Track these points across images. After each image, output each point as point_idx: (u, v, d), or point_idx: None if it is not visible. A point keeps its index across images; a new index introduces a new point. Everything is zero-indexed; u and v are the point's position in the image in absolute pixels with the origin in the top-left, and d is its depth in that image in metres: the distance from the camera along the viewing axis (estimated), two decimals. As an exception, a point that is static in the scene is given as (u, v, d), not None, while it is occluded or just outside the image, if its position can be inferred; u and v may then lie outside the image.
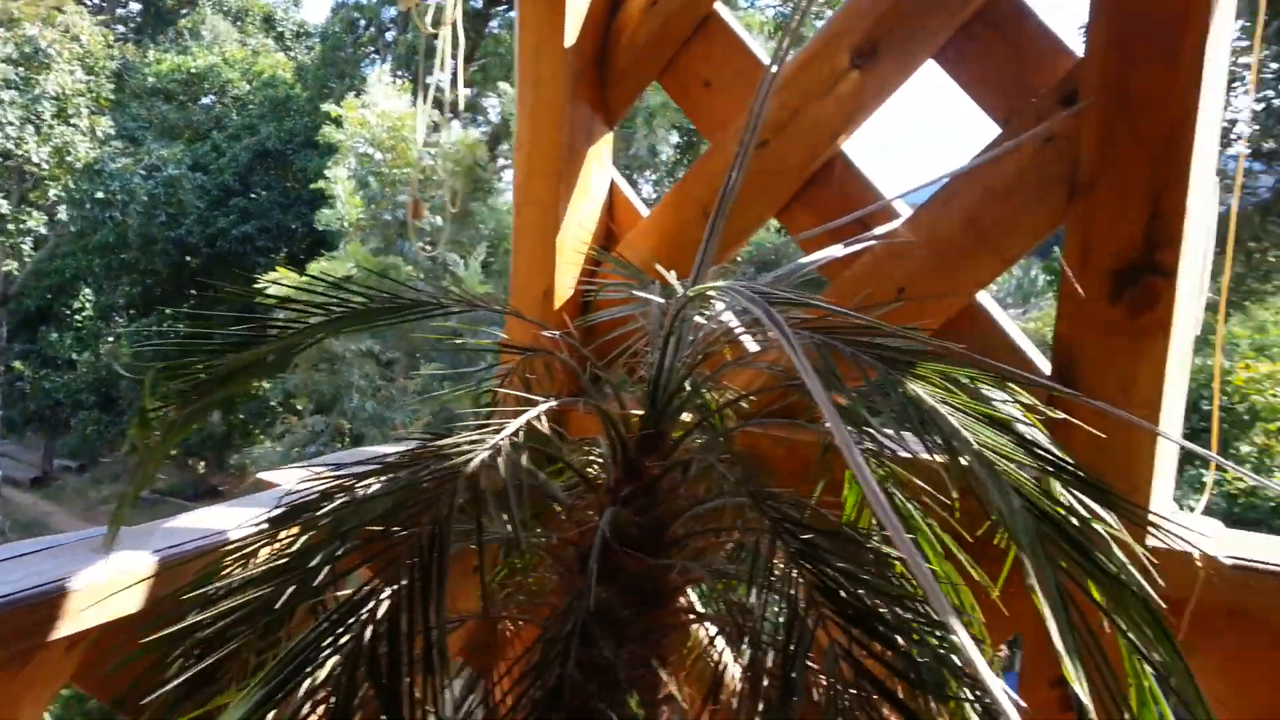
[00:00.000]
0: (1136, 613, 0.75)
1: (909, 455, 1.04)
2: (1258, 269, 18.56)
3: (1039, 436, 0.95)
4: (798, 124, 1.54)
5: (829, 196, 1.60)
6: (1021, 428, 0.96)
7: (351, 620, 0.78)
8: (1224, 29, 1.17)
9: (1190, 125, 1.10)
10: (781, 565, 0.94)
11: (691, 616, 1.26)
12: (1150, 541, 1.21)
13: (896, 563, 1.08)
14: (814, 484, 1.38)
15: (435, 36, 2.48)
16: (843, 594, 0.86)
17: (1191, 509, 1.37)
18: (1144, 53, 1.12)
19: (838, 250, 1.34)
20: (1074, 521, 0.77)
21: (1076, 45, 1.28)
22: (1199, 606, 1.18)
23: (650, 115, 12.48)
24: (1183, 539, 1.15)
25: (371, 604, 0.79)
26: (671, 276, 1.15)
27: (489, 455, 1.01)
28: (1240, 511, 13.19)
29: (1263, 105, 10.50)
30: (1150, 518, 0.82)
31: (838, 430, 0.71)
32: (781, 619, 0.93)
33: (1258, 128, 9.63)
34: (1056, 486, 0.84)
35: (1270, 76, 9.46)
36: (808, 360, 0.76)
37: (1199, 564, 1.15)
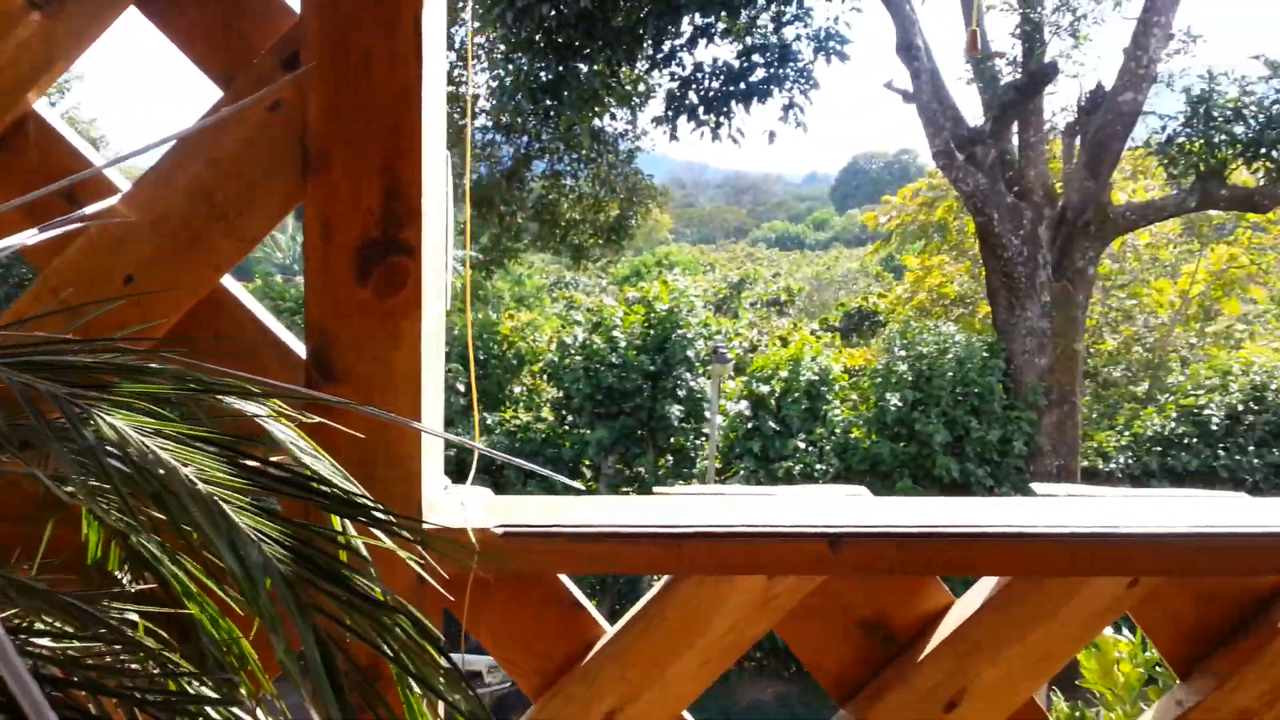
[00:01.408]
0: (404, 634, 0.68)
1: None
2: (510, 229, 21.16)
3: (298, 451, 0.84)
4: (-33, 74, 1.20)
5: (25, 166, 1.29)
6: (293, 448, 0.84)
7: None
8: (439, 2, 1.15)
9: (416, 97, 1.07)
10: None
11: None
12: (430, 524, 1.20)
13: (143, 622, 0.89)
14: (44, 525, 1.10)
15: None
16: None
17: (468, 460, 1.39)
18: (360, 17, 1.06)
19: (28, 235, 1.07)
20: (336, 553, 0.67)
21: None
22: (482, 577, 1.20)
23: None
24: (441, 529, 1.15)
25: None
26: None
27: None
28: (520, 445, 15.14)
29: (497, 82, 11.78)
30: (422, 525, 0.75)
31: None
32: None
33: (495, 102, 10.82)
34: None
35: (500, 57, 10.67)
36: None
37: (474, 539, 1.16)
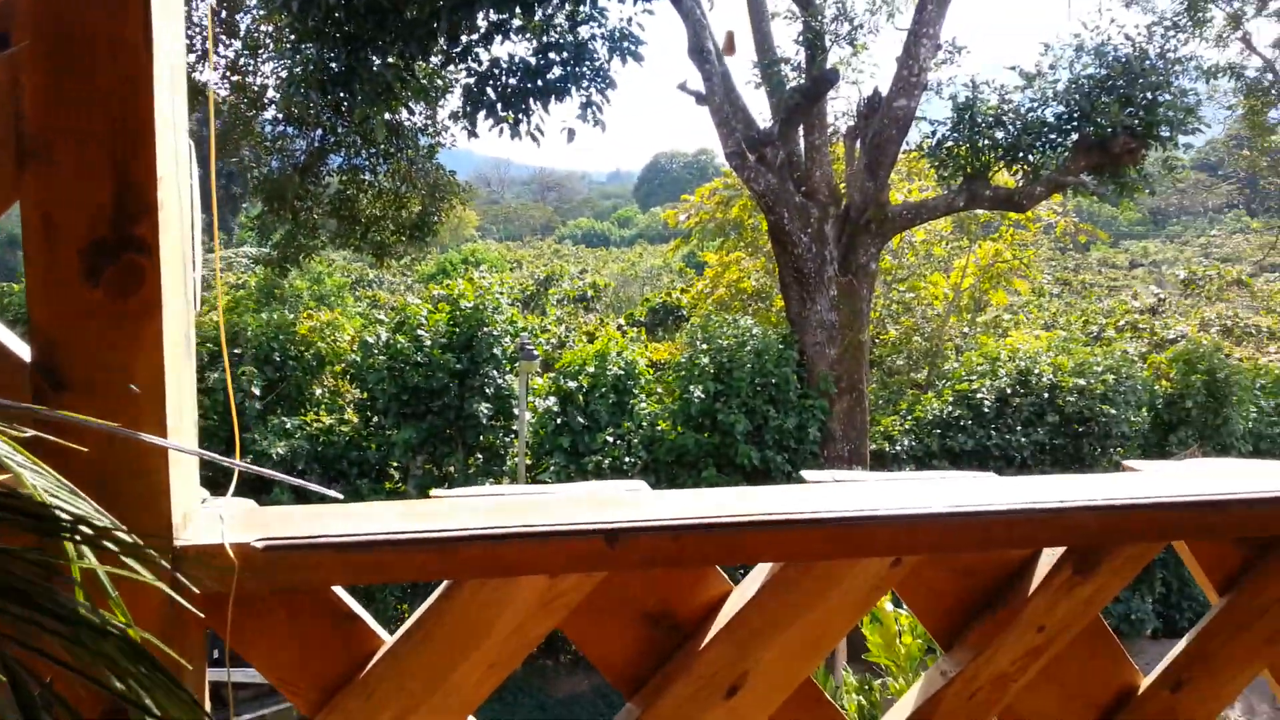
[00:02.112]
0: (111, 648, 0.63)
1: None
2: (305, 226, 20.29)
3: (16, 467, 0.76)
4: None
5: None
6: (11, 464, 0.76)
7: None
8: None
9: (147, 84, 0.99)
10: None
11: None
12: (184, 542, 1.11)
13: None
14: None
15: None
16: None
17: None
18: (79, -6, 0.97)
19: None
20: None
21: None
22: (248, 594, 1.13)
23: None
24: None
25: None
26: None
27: None
28: (324, 449, 14.56)
29: (287, 72, 11.24)
30: (154, 542, 0.69)
31: None
32: None
33: (284, 93, 10.31)
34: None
35: (288, 46, 10.19)
36: None
37: (233, 555, 1.09)
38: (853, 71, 13.96)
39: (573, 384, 13.81)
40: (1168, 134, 12.05)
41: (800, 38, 12.77)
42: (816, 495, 1.33)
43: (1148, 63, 12.19)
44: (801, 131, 13.55)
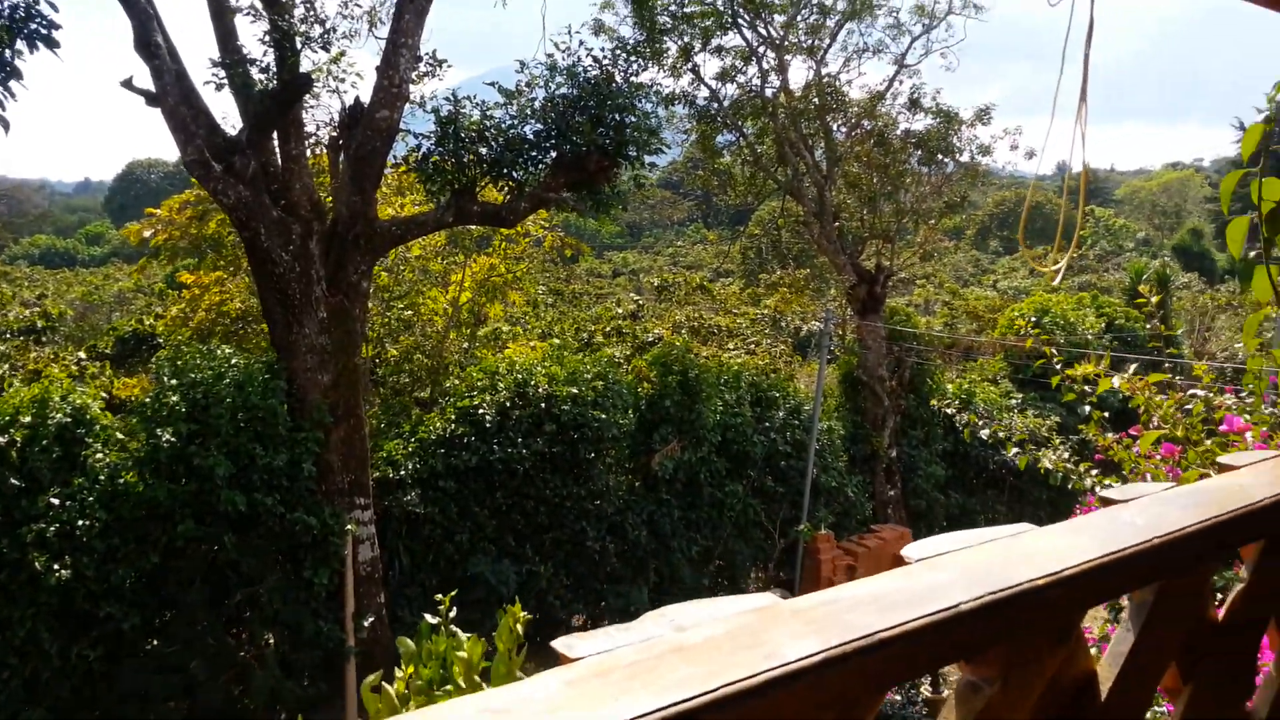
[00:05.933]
0: None
1: None
2: None
3: None
4: None
5: None
6: None
7: None
8: None
9: None
10: None
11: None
12: None
13: None
14: None
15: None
16: None
17: None
18: None
19: None
20: None
21: None
22: None
23: None
24: None
25: None
26: None
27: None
28: None
29: None
30: None
31: None
32: None
33: None
34: None
35: None
36: None
37: None
38: (333, 80, 13.13)
39: (3, 439, 11.30)
40: (634, 153, 12.82)
41: (267, 37, 11.64)
42: None
43: (614, 85, 12.88)
44: (277, 140, 12.40)
